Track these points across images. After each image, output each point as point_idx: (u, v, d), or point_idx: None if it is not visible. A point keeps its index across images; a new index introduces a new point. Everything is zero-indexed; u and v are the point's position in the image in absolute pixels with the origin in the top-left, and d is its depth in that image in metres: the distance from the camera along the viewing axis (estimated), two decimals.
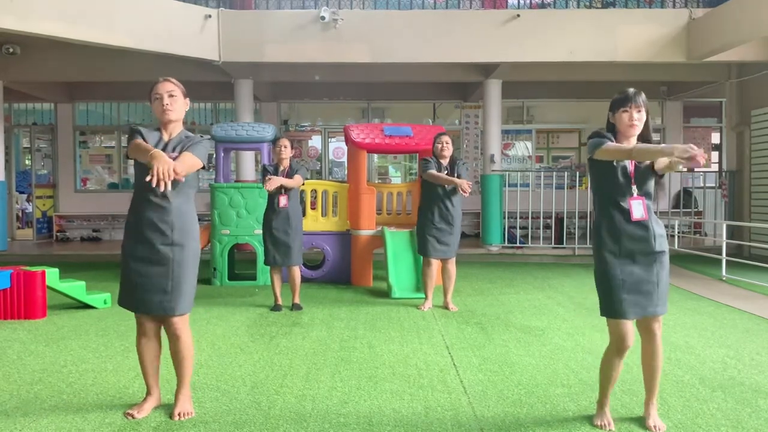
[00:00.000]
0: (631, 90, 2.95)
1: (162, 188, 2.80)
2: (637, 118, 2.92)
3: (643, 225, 2.93)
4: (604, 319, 3.04)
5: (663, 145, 2.69)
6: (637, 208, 2.92)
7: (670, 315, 5.69)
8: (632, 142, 2.97)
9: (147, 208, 3.06)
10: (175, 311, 3.08)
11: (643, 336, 3.06)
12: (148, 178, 2.76)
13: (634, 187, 2.93)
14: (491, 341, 4.75)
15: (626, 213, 2.93)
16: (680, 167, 2.67)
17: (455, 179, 5.64)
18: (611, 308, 2.96)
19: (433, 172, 5.73)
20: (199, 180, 3.31)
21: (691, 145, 2.54)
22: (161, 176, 2.76)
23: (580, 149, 13.37)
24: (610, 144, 2.89)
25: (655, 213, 3.01)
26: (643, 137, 3.00)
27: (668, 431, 3.01)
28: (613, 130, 3.03)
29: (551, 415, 3.23)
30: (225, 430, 3.01)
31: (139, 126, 3.14)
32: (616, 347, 3.00)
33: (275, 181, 5.58)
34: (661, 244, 2.96)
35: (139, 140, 3.01)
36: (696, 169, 13.38)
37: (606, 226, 2.98)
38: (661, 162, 2.89)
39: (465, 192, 5.58)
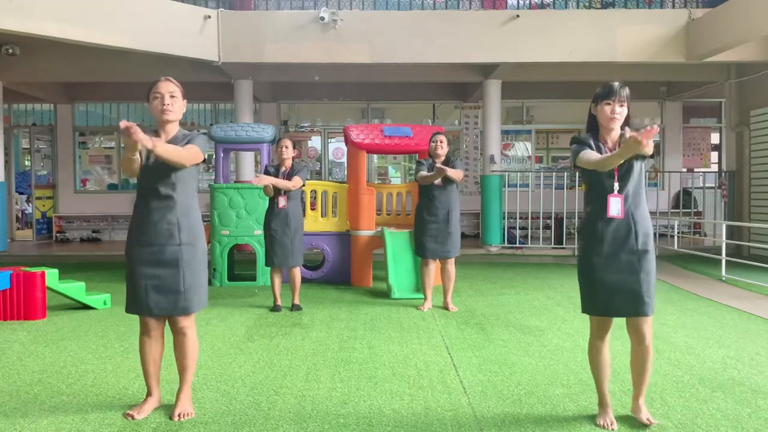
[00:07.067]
0: (616, 83, 2.96)
1: (135, 136, 2.60)
2: (618, 112, 2.95)
3: (625, 222, 2.95)
4: None
5: (623, 146, 2.69)
6: (615, 205, 2.94)
7: (670, 315, 5.69)
8: (613, 135, 3.00)
9: (150, 209, 3.05)
10: (188, 310, 3.09)
11: (632, 338, 3.08)
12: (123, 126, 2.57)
13: (616, 185, 2.94)
14: (491, 342, 4.75)
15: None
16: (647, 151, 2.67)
17: (441, 167, 5.45)
18: (587, 305, 3.05)
19: (422, 173, 5.70)
20: (199, 178, 3.27)
21: (639, 133, 2.52)
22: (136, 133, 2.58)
23: None
24: (587, 154, 2.91)
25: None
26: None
27: (668, 431, 3.01)
28: (594, 122, 3.06)
29: (551, 415, 3.23)
30: (225, 430, 3.01)
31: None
32: (597, 333, 3.08)
33: (262, 179, 5.47)
34: (645, 243, 2.97)
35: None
36: (696, 169, 13.45)
37: (590, 222, 3.02)
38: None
39: (453, 177, 5.49)
